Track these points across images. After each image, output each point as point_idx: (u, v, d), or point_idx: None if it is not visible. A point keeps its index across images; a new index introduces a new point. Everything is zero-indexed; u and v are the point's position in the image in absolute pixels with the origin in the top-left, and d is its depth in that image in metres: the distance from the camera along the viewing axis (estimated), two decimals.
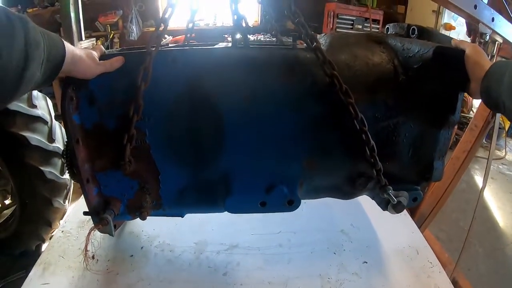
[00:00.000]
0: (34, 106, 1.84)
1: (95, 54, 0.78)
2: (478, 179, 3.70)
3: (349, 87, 0.79)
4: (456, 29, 4.82)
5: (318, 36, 0.85)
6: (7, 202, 2.32)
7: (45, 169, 1.86)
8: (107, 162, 0.86)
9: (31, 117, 1.81)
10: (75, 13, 2.07)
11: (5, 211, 2.29)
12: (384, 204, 0.93)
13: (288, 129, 0.84)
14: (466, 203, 2.91)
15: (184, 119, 0.83)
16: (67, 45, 0.68)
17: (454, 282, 1.31)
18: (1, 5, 0.59)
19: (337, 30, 4.97)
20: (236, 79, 0.82)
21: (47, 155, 1.88)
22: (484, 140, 1.75)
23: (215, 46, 0.89)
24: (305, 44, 0.85)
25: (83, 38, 2.07)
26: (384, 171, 0.85)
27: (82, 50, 0.75)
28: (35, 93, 1.88)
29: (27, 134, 1.78)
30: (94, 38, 4.46)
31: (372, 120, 0.84)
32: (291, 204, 0.90)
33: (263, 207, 0.90)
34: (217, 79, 0.81)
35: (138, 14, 4.75)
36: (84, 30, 2.11)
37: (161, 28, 0.81)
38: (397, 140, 0.88)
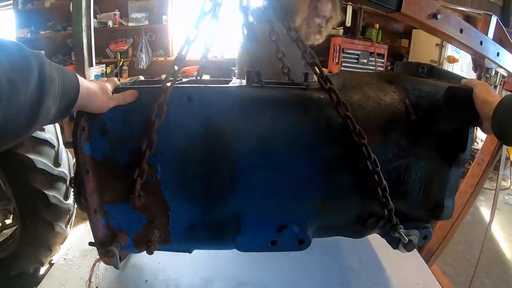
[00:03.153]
0: (42, 130, 1.85)
1: (109, 88, 0.78)
2: (484, 211, 3.66)
3: (362, 128, 0.79)
4: (459, 62, 4.91)
5: (330, 75, 0.86)
6: (7, 222, 2.29)
7: (49, 193, 1.85)
8: (116, 195, 0.84)
9: (38, 140, 1.82)
10: (87, 39, 2.12)
11: (5, 231, 2.26)
12: (395, 243, 0.91)
13: (302, 170, 0.84)
14: (472, 235, 2.86)
15: (197, 157, 0.82)
16: (81, 80, 0.68)
17: None
18: (16, 41, 0.59)
19: (343, 64, 5.03)
20: (251, 119, 0.82)
21: (52, 179, 1.88)
22: None
23: (230, 84, 0.90)
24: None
25: (94, 64, 2.12)
26: (395, 209, 0.84)
27: (95, 83, 0.75)
28: None
29: (33, 156, 1.78)
30: (104, 65, 4.60)
31: (384, 160, 0.84)
32: (301, 244, 0.88)
33: (274, 246, 0.88)
34: (232, 118, 0.81)
35: (148, 44, 4.88)
36: (95, 56, 2.16)
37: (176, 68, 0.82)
38: (408, 179, 0.88)
